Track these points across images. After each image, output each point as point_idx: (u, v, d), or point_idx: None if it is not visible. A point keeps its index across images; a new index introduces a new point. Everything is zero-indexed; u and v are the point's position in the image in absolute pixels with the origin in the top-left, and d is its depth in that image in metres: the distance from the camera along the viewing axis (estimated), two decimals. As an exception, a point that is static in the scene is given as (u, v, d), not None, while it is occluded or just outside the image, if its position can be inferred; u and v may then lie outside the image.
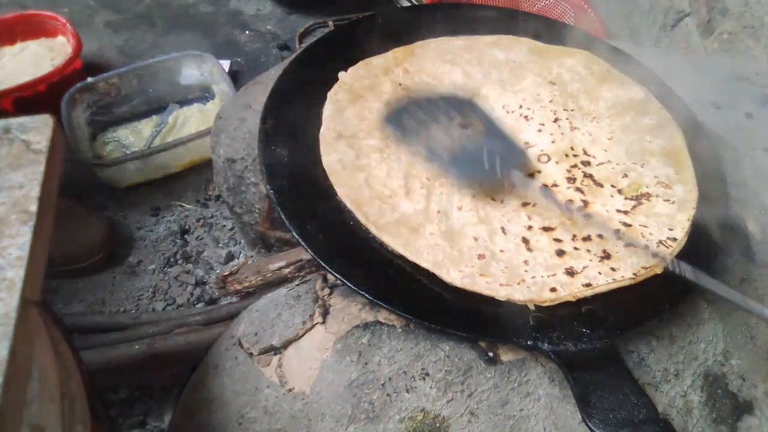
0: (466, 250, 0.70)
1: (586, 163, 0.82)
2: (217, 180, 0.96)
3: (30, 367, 0.44)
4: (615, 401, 0.57)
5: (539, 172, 0.80)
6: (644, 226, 0.74)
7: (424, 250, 0.69)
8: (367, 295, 0.64)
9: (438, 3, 1.50)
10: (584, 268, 0.69)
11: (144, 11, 1.85)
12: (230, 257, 1.18)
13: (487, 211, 0.75)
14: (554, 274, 0.69)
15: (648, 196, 0.78)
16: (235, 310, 0.89)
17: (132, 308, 1.10)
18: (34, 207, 0.48)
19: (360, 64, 0.89)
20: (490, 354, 0.67)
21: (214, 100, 1.45)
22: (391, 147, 0.80)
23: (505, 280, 0.67)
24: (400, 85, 0.89)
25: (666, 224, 0.75)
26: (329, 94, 0.84)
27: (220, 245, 1.21)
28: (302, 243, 0.68)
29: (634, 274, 0.69)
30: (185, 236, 1.22)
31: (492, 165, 0.77)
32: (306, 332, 0.71)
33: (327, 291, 0.75)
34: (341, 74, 0.87)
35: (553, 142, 0.83)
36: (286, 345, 0.71)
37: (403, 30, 0.96)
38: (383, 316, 0.70)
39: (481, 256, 0.69)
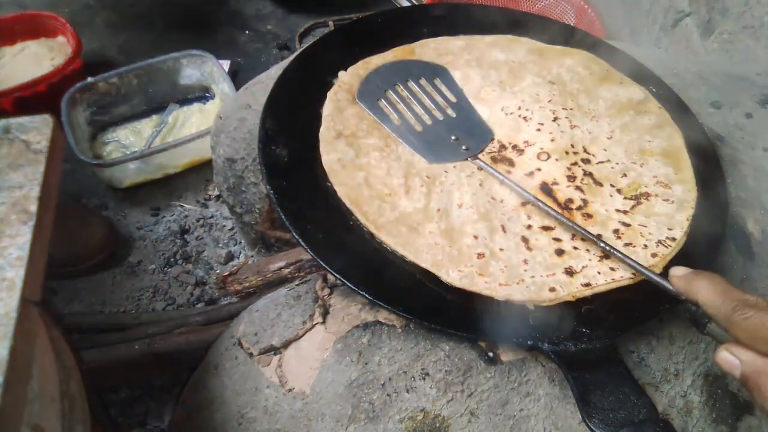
0: (466, 249, 0.70)
1: (586, 161, 0.82)
2: (217, 180, 0.96)
3: (30, 367, 0.44)
4: (615, 401, 0.57)
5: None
6: (643, 226, 0.74)
7: (423, 250, 0.69)
8: (367, 295, 0.64)
9: (438, 3, 1.50)
10: (583, 267, 0.69)
11: (144, 11, 1.85)
12: (230, 257, 1.18)
13: (487, 208, 0.75)
14: (553, 274, 0.69)
15: (647, 195, 0.78)
16: (235, 310, 0.89)
17: (132, 308, 1.10)
18: (34, 207, 0.48)
19: (360, 63, 0.89)
20: (490, 354, 0.67)
21: (214, 100, 1.45)
22: (391, 146, 0.81)
23: (504, 280, 0.67)
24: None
25: (665, 224, 0.75)
26: (329, 94, 0.84)
27: (220, 245, 1.21)
28: (302, 243, 0.68)
29: (633, 273, 0.69)
30: (185, 236, 1.22)
31: (456, 145, 0.82)
32: (306, 332, 0.71)
33: (327, 291, 0.75)
34: (341, 73, 0.87)
35: (552, 140, 0.83)
36: (286, 345, 0.71)
37: (402, 30, 0.96)
38: (383, 316, 0.70)
39: (480, 255, 0.69)
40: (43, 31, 1.52)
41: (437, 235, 0.71)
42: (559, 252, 0.71)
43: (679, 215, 0.76)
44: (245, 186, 0.90)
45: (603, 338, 0.64)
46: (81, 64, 1.46)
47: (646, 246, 0.72)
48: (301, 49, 0.95)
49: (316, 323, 0.71)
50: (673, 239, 0.73)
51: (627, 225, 0.74)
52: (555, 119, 0.86)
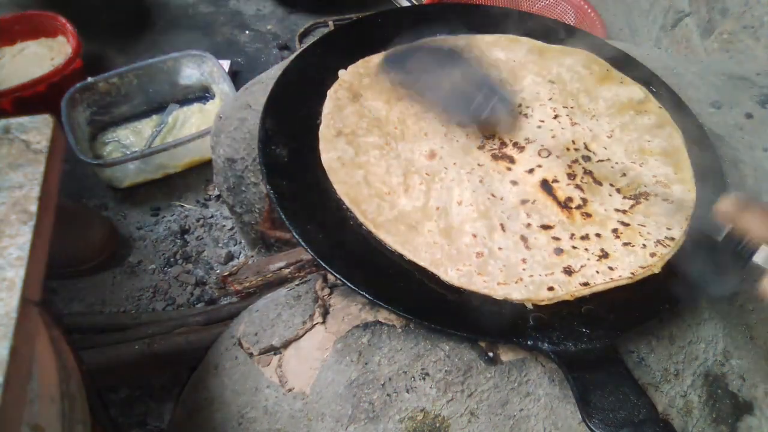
0: (464, 248, 0.70)
1: (587, 158, 0.82)
2: (217, 180, 0.96)
3: (30, 367, 0.44)
4: (615, 401, 0.57)
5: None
6: (642, 226, 0.74)
7: (422, 248, 0.69)
8: (367, 295, 0.64)
9: (438, 3, 1.50)
10: (582, 266, 0.69)
11: (144, 11, 1.85)
12: (230, 257, 1.18)
13: (487, 206, 0.75)
14: (552, 273, 0.69)
15: (646, 195, 0.78)
16: (235, 310, 0.89)
17: (132, 308, 1.10)
18: (34, 207, 0.48)
19: (360, 62, 0.89)
20: (490, 354, 0.67)
21: (214, 100, 1.45)
22: (390, 144, 0.81)
23: (503, 279, 0.67)
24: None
25: (664, 224, 0.75)
26: (329, 92, 0.84)
27: (220, 245, 1.21)
28: (302, 243, 0.68)
29: (632, 273, 0.69)
30: (185, 236, 1.22)
31: (479, 104, 0.84)
32: (306, 332, 0.71)
33: (327, 291, 0.75)
34: (341, 72, 0.88)
35: (553, 137, 0.83)
36: (286, 345, 0.71)
37: (402, 30, 0.96)
38: (383, 316, 0.70)
39: (479, 254, 0.69)
40: (43, 31, 1.52)
41: (436, 233, 0.71)
42: (558, 251, 0.71)
43: (679, 215, 0.76)
44: (245, 186, 0.91)
45: (603, 338, 0.64)
46: (81, 64, 1.46)
47: (644, 245, 0.72)
48: (301, 49, 0.95)
49: (316, 323, 0.71)
50: (672, 239, 0.73)
51: (626, 224, 0.74)
52: (556, 117, 0.86)
